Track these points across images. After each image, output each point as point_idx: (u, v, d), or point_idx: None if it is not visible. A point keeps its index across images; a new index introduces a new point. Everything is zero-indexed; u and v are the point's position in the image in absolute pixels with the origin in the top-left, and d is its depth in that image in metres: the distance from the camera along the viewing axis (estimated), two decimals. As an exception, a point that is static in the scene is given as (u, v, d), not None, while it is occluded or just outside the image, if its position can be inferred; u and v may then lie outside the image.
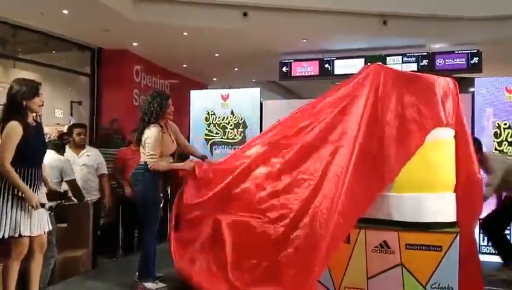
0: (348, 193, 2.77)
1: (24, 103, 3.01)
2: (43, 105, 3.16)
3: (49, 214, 3.29)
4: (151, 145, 3.53)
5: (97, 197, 4.80)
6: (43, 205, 3.02)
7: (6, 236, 2.92)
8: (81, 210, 4.38)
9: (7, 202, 2.93)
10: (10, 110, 3.01)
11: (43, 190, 3.20)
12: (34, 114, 3.14)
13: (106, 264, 4.67)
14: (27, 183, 2.97)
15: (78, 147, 4.78)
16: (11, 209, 2.93)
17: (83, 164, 4.71)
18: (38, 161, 3.12)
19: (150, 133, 3.55)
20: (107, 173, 4.89)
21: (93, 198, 4.74)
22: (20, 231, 2.94)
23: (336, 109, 3.13)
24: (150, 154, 3.53)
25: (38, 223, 3.04)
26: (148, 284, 3.56)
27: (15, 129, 2.93)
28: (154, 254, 3.65)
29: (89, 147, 4.94)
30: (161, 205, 4.07)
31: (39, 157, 3.15)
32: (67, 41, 8.52)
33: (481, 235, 4.63)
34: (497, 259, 4.44)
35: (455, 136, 3.10)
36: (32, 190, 2.99)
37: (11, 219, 2.92)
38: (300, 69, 9.45)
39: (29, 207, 2.97)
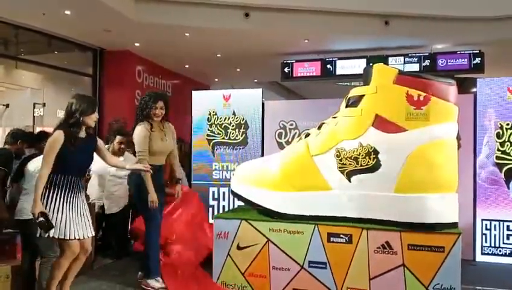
0: None
1: (81, 118, 3.20)
2: (96, 120, 3.34)
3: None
4: (136, 142, 3.65)
5: (123, 206, 4.83)
6: (43, 216, 3.06)
7: (72, 237, 3.12)
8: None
9: (58, 205, 3.13)
10: (66, 121, 3.20)
11: (84, 197, 3.35)
12: (89, 128, 3.33)
13: (108, 264, 4.68)
14: (65, 190, 3.15)
15: (115, 154, 4.75)
16: (65, 213, 3.14)
17: (112, 174, 4.75)
18: (77, 170, 3.27)
19: (135, 131, 3.67)
20: None
21: (119, 207, 4.79)
22: (69, 234, 3.13)
23: None
24: (137, 152, 3.65)
25: (82, 227, 3.21)
26: (152, 282, 3.57)
27: (57, 138, 3.11)
28: (157, 250, 3.68)
29: (128, 155, 4.91)
30: None
31: (79, 168, 3.30)
32: (69, 42, 8.53)
33: (483, 235, 4.63)
34: (498, 260, 4.43)
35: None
36: (71, 197, 3.17)
37: (65, 222, 3.12)
38: (302, 70, 9.45)
39: (67, 212, 3.14)
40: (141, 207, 3.73)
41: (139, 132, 3.65)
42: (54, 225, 3.05)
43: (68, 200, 3.15)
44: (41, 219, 2.99)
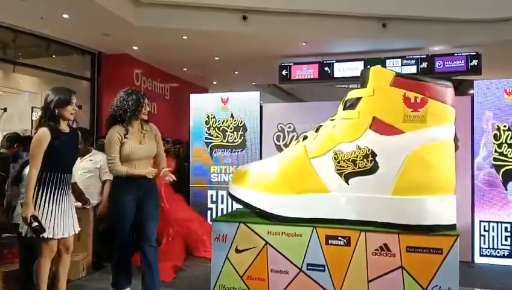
0: None
1: (56, 111, 3.13)
2: (74, 113, 3.26)
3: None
4: (106, 148, 3.35)
5: (97, 202, 4.79)
6: (36, 220, 3.04)
7: (58, 237, 3.13)
8: (81, 214, 4.38)
9: (44, 204, 3.10)
10: (44, 117, 3.16)
11: (71, 194, 3.33)
12: (68, 121, 3.26)
13: (106, 268, 4.67)
14: (54, 187, 3.12)
15: (82, 152, 4.72)
16: (47, 211, 3.10)
17: (82, 169, 4.70)
18: (66, 166, 3.24)
19: (108, 137, 3.35)
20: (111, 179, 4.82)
21: (93, 202, 4.73)
22: (48, 233, 3.09)
23: None
24: (107, 159, 3.35)
25: (63, 226, 3.16)
26: None
27: (43, 135, 3.07)
28: (119, 267, 3.50)
29: (95, 151, 4.88)
30: None
31: (67, 163, 3.27)
32: (68, 46, 8.54)
33: (481, 237, 4.63)
34: (496, 262, 4.44)
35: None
36: (60, 194, 3.14)
37: (45, 220, 3.08)
38: (300, 72, 9.47)
39: (55, 210, 3.12)
40: (111, 220, 3.57)
41: (110, 135, 3.33)
42: (45, 228, 3.03)
43: (57, 198, 3.13)
44: (35, 223, 2.98)
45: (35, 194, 3.07)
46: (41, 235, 3.04)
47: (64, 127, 3.22)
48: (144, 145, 3.39)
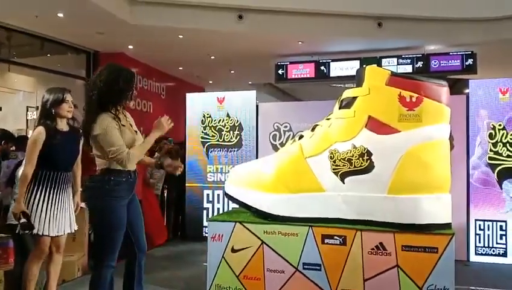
0: None
1: (52, 110, 3.18)
2: (70, 111, 3.27)
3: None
4: (106, 138, 2.64)
5: None
6: (25, 216, 3.03)
7: (53, 234, 3.13)
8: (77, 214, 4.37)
9: (38, 202, 3.11)
10: (41, 116, 3.22)
11: (70, 192, 3.31)
12: (67, 120, 3.29)
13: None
14: (50, 185, 3.13)
15: None
16: (41, 209, 3.10)
17: None
18: (63, 165, 3.24)
19: (102, 124, 2.65)
20: None
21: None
22: (43, 231, 3.09)
23: None
24: (114, 150, 2.62)
25: (57, 225, 3.16)
26: None
27: (39, 134, 3.11)
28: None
29: None
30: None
31: (65, 162, 3.26)
32: (63, 45, 8.50)
33: (476, 236, 4.65)
34: (491, 260, 4.45)
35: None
36: (56, 192, 3.15)
37: (39, 218, 3.09)
38: (296, 71, 9.48)
39: (50, 208, 3.12)
40: (101, 237, 2.77)
41: (105, 122, 2.64)
42: (34, 225, 3.04)
43: (52, 196, 3.14)
44: (23, 220, 2.99)
45: (30, 191, 3.08)
46: (28, 232, 3.04)
47: (62, 126, 3.25)
48: (134, 134, 2.85)
